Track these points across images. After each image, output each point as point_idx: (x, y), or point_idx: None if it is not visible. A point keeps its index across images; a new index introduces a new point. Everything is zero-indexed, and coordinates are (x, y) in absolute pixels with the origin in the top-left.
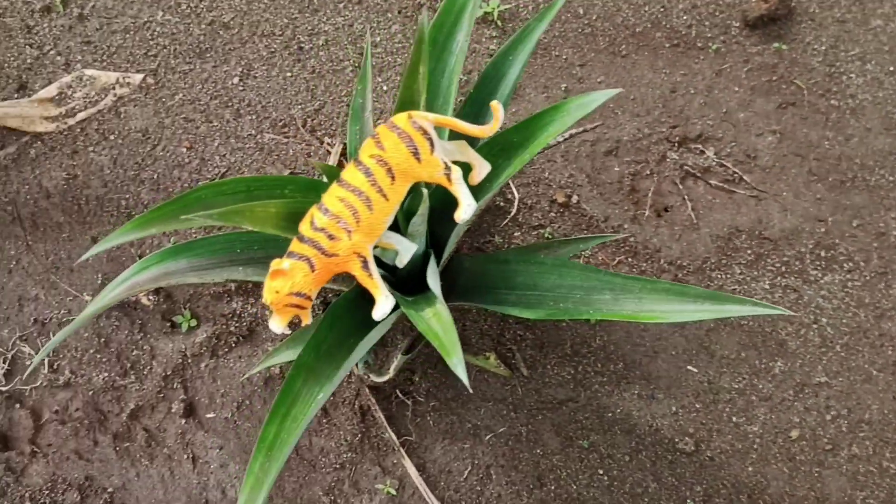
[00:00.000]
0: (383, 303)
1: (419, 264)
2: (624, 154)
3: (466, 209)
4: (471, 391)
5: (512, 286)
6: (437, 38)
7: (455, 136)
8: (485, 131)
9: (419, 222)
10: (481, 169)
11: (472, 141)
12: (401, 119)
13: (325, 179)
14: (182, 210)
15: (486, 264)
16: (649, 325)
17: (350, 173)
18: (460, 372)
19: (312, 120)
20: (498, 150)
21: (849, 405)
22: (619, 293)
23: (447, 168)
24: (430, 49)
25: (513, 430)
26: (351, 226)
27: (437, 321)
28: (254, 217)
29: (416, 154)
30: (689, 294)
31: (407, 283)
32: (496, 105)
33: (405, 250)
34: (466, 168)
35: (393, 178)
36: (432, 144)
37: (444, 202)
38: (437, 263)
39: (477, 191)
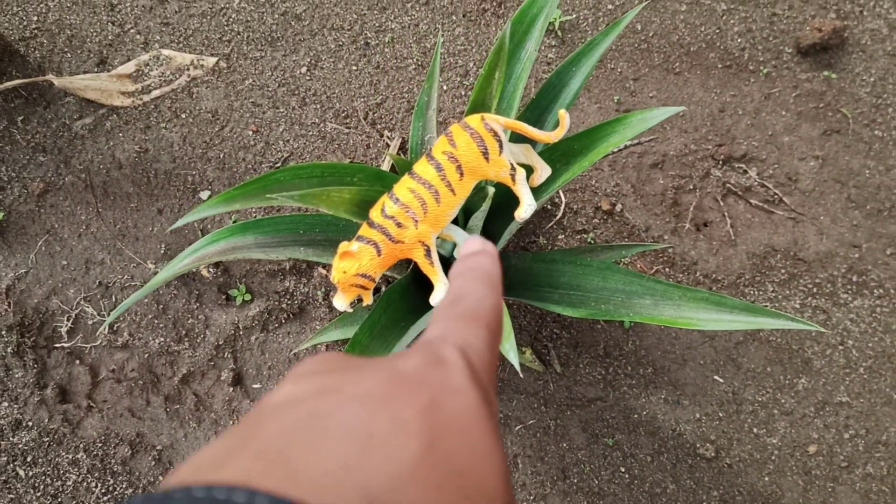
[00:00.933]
0: (442, 289)
1: None
2: (669, 168)
3: (527, 208)
4: (521, 375)
5: (556, 285)
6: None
7: (520, 139)
8: (551, 137)
9: (480, 217)
10: (542, 172)
11: (534, 145)
12: (474, 120)
13: (388, 171)
14: (264, 189)
15: (533, 262)
16: (680, 334)
17: (422, 167)
18: (512, 357)
19: (374, 113)
20: (559, 155)
21: (867, 426)
22: (659, 299)
23: (513, 169)
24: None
25: (542, 423)
26: (418, 216)
27: None
28: (330, 201)
29: (485, 154)
30: (726, 304)
31: None
32: (563, 114)
33: (463, 243)
34: (528, 170)
35: (462, 174)
36: (501, 146)
37: (500, 201)
38: None
39: (535, 192)
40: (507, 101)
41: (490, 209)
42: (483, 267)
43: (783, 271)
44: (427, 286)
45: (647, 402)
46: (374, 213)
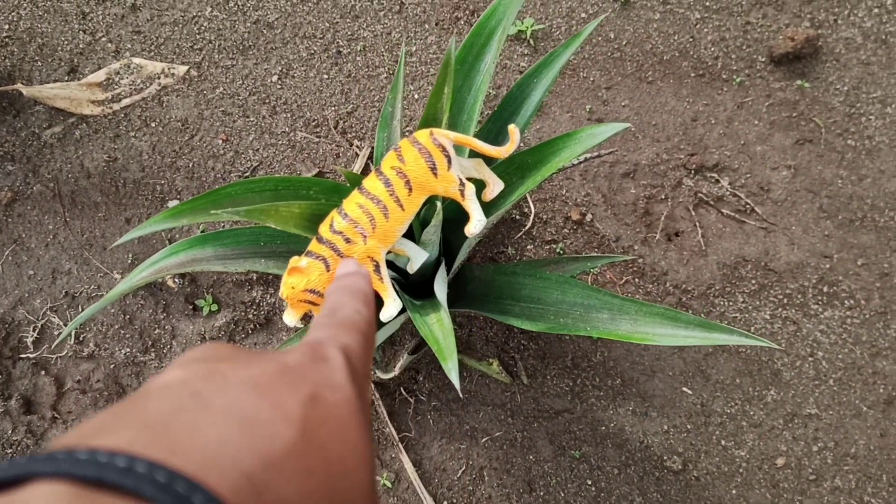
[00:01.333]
0: (391, 305)
1: (431, 270)
2: (641, 177)
3: (477, 224)
4: (461, 396)
5: (517, 298)
6: (466, 58)
7: (474, 153)
8: (500, 153)
9: (432, 232)
10: (495, 187)
11: (488, 160)
12: (423, 135)
13: (348, 184)
14: (212, 204)
15: (496, 275)
16: (649, 345)
17: (371, 182)
18: (453, 377)
19: (344, 122)
20: (514, 168)
21: (836, 438)
22: (616, 313)
23: (461, 184)
24: (458, 67)
25: (508, 435)
26: (367, 231)
27: (438, 327)
28: (278, 216)
29: (433, 169)
30: (681, 320)
31: (418, 287)
32: (513, 129)
33: (416, 257)
34: (481, 185)
35: (410, 189)
36: (450, 161)
37: (460, 214)
38: (448, 271)
39: (490, 206)
40: (466, 112)
41: (449, 222)
42: (357, 285)
43: (754, 282)
44: (379, 301)
45: (615, 414)
46: (323, 229)
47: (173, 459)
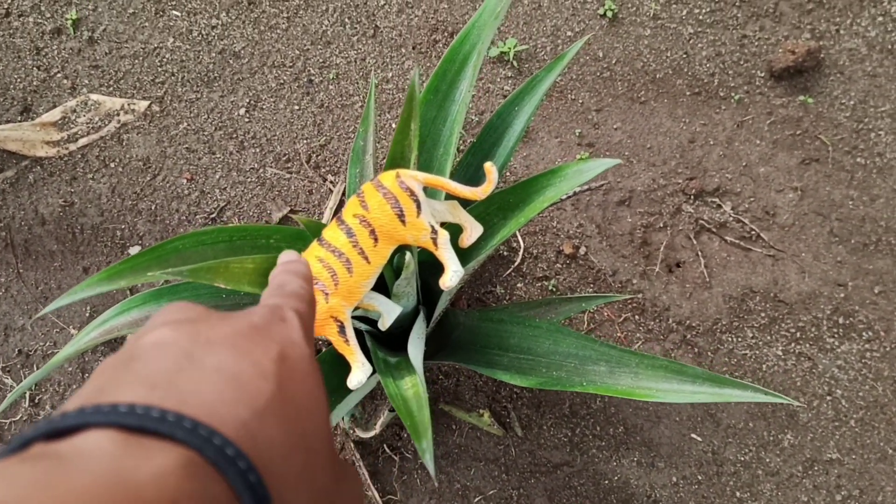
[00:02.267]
0: (358, 371)
1: (408, 320)
2: (637, 205)
3: (452, 276)
4: (436, 484)
5: (506, 347)
6: (439, 87)
7: (449, 195)
8: (477, 194)
9: (404, 284)
10: (472, 231)
11: (464, 202)
12: (388, 178)
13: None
14: (156, 262)
15: (481, 322)
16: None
17: (331, 232)
18: (428, 461)
19: (317, 156)
20: (494, 209)
21: (861, 485)
22: (614, 366)
23: (434, 232)
24: (431, 97)
25: (503, 494)
26: (329, 288)
27: (413, 394)
28: (228, 274)
29: (401, 216)
30: (688, 374)
31: (394, 338)
32: (489, 167)
33: (388, 312)
34: (458, 229)
35: (376, 240)
36: (419, 207)
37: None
38: (428, 322)
39: (468, 252)
40: (443, 146)
41: (427, 265)
42: (299, 269)
43: (763, 315)
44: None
45: (619, 466)
46: None
47: (189, 410)
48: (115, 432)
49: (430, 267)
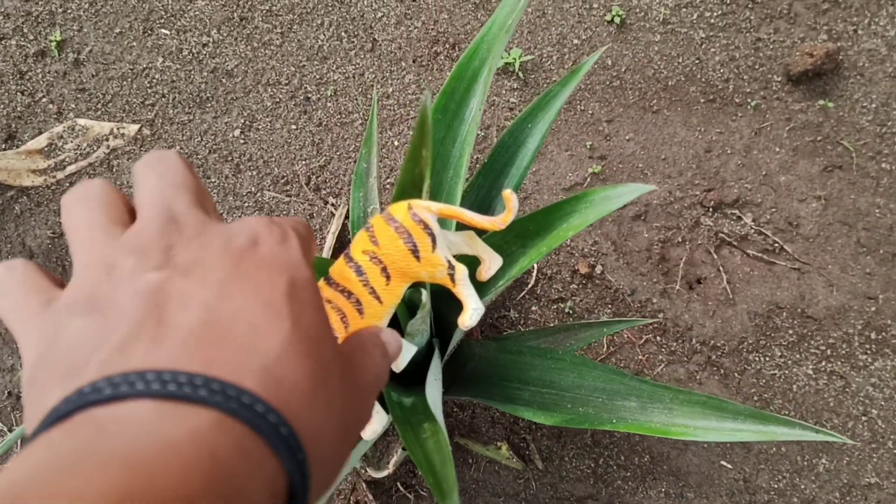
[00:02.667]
0: (374, 421)
1: (422, 356)
2: (653, 219)
3: (472, 315)
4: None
5: (526, 381)
6: (447, 106)
7: (462, 225)
8: (496, 224)
9: (419, 323)
10: (492, 263)
11: (481, 231)
12: (399, 210)
13: (331, 248)
14: None
15: (499, 353)
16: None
17: (339, 270)
18: None
19: (317, 177)
20: (513, 237)
21: None
22: (646, 401)
23: (450, 267)
24: (440, 117)
25: None
26: (339, 332)
27: (434, 444)
28: None
29: (414, 252)
30: (728, 410)
31: (407, 372)
32: (509, 195)
33: (404, 353)
34: (475, 261)
35: (388, 277)
36: (434, 241)
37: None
38: (443, 355)
39: (486, 286)
40: (452, 168)
41: (441, 293)
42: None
43: (791, 332)
44: None
45: (646, 498)
46: None
47: (215, 370)
48: (149, 401)
49: (442, 296)
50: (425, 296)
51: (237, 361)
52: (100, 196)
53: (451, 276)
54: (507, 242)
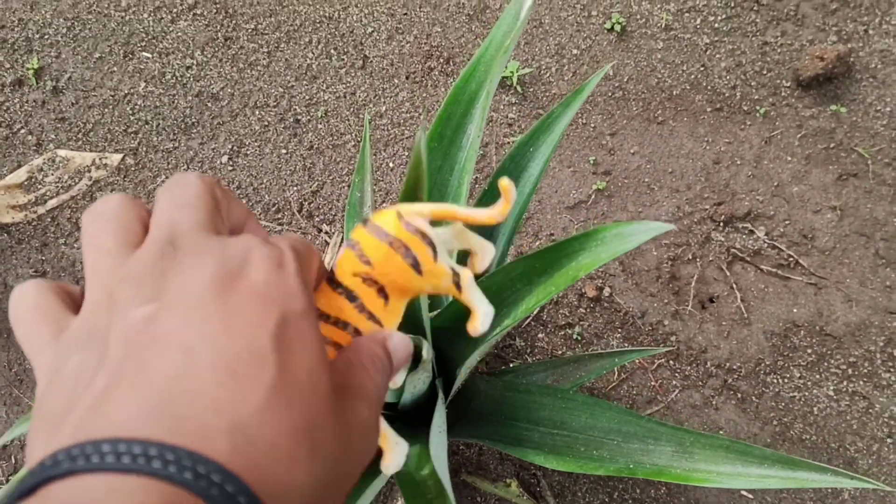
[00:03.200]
0: (394, 452)
1: (424, 395)
2: (662, 236)
3: (483, 319)
4: None
5: (535, 420)
6: (443, 133)
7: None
8: (493, 216)
9: (420, 383)
10: (484, 254)
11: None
12: (387, 221)
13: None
14: None
15: (505, 391)
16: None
17: (327, 300)
18: None
19: (309, 203)
20: (518, 274)
21: None
22: (665, 445)
23: (456, 274)
24: (436, 144)
25: None
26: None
27: None
28: None
29: (416, 266)
30: (754, 455)
31: (406, 413)
32: (506, 184)
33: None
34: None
35: (386, 298)
36: (435, 251)
37: (450, 319)
38: (447, 396)
39: (489, 330)
40: (451, 197)
41: (444, 331)
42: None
43: (809, 351)
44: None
45: None
46: None
47: (182, 432)
48: (101, 476)
49: (444, 333)
50: (427, 350)
51: (207, 420)
52: (114, 215)
53: (457, 284)
54: (513, 281)
